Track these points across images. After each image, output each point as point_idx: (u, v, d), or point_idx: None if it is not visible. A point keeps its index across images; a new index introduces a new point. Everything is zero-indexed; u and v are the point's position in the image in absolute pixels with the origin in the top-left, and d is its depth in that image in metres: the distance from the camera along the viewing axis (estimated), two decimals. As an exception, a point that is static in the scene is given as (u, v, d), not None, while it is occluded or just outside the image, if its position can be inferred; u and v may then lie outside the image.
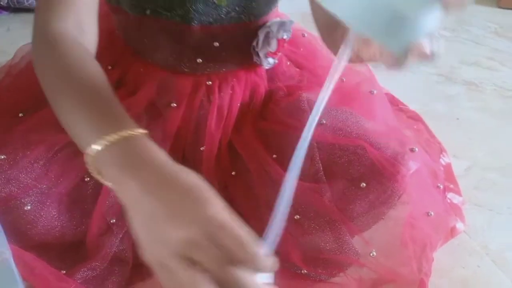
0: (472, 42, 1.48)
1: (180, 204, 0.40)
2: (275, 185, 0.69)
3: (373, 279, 0.71)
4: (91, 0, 0.59)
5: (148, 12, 0.69)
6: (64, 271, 0.68)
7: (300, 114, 0.75)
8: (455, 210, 0.83)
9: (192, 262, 0.38)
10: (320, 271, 0.71)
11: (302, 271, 0.70)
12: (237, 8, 0.70)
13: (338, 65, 0.44)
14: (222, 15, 0.70)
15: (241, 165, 0.75)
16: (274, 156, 0.73)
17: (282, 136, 0.74)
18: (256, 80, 0.79)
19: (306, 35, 0.89)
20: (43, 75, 0.53)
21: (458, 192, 0.87)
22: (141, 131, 0.46)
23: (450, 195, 0.86)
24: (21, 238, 0.66)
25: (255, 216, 0.70)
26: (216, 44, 0.72)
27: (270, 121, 0.77)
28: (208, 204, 0.40)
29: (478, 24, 1.56)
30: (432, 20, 0.40)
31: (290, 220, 0.69)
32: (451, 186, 0.88)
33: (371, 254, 0.72)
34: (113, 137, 0.44)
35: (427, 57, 0.41)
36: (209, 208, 0.40)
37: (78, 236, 0.71)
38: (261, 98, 0.79)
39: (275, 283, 0.43)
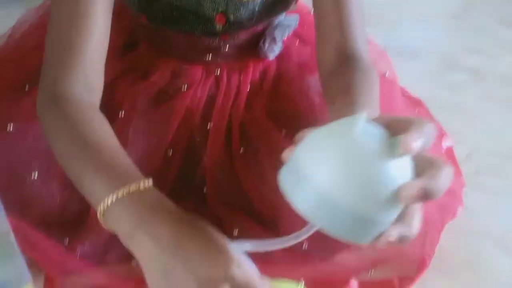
0: (477, 29, 1.47)
1: (199, 263, 0.41)
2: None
3: (374, 258, 0.71)
4: (101, 48, 0.60)
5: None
6: (65, 245, 0.68)
7: (311, 93, 0.75)
8: (456, 193, 0.83)
9: None
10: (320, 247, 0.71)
11: (303, 247, 0.70)
12: (262, 16, 0.72)
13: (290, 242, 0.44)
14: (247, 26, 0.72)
15: (251, 144, 0.75)
16: (285, 134, 0.73)
17: (294, 116, 0.73)
18: (267, 61, 0.79)
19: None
20: (54, 140, 0.56)
21: (459, 175, 0.86)
22: (150, 184, 0.47)
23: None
24: (23, 212, 0.66)
25: (262, 196, 0.70)
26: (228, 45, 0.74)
27: (281, 101, 0.77)
28: (229, 262, 0.42)
29: (483, 12, 1.55)
30: (395, 213, 0.40)
31: None
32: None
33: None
34: (123, 191, 0.46)
35: (397, 243, 0.40)
36: (230, 266, 0.41)
37: (80, 211, 0.71)
38: (272, 78, 0.79)
39: None
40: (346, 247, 0.72)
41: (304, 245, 0.70)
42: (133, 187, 0.47)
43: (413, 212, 0.41)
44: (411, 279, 0.70)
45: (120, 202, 0.46)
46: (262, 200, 0.71)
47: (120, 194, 0.46)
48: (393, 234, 0.39)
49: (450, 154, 0.90)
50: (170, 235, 0.43)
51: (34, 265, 0.67)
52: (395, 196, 0.38)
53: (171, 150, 0.72)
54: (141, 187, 0.47)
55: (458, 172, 0.87)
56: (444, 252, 0.77)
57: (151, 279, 0.44)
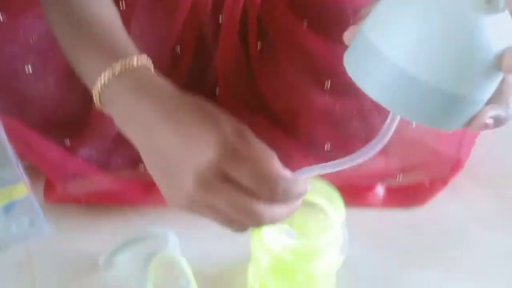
0: None
1: (194, 141, 0.37)
2: (308, 58, 0.63)
3: (404, 162, 0.65)
4: None
5: None
6: (66, 147, 0.63)
7: None
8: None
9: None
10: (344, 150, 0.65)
11: (326, 148, 0.64)
12: None
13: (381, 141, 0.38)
14: None
15: (268, 40, 0.67)
16: (307, 27, 0.65)
17: (317, 4, 0.65)
18: None
19: None
20: (52, 18, 0.50)
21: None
22: (147, 61, 0.44)
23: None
24: (20, 112, 0.61)
25: (280, 97, 0.64)
26: None
27: None
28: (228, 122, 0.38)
29: None
30: (491, 89, 0.33)
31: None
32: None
33: (410, 125, 0.65)
34: (119, 67, 0.42)
35: (491, 126, 0.34)
36: (230, 125, 0.37)
37: (82, 111, 0.65)
38: None
39: None
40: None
41: (326, 146, 0.64)
42: (128, 63, 0.42)
43: (509, 88, 0.34)
44: (443, 181, 0.65)
45: (115, 80, 0.42)
46: (280, 101, 0.65)
47: (116, 69, 0.42)
48: (490, 114, 0.33)
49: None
50: (165, 116, 0.39)
51: (33, 169, 0.62)
52: (494, 65, 0.31)
53: (179, 47, 0.65)
54: (136, 63, 0.43)
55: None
56: (478, 159, 0.70)
57: (148, 164, 0.40)
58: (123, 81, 0.41)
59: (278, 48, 0.65)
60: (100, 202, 0.62)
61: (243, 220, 0.38)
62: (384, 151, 0.66)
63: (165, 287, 0.54)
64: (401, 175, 0.65)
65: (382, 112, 0.64)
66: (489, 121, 0.33)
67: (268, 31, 0.66)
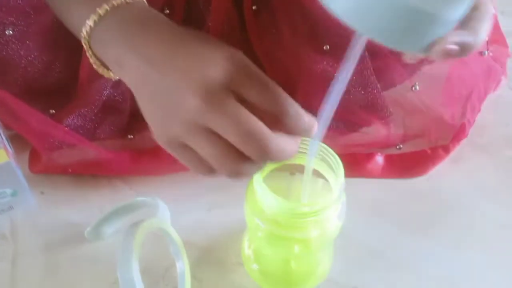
0: None
1: (191, 65, 0.34)
2: (306, 20, 0.59)
3: (404, 131, 0.63)
4: None
5: None
6: (51, 116, 0.60)
7: None
8: (501, 61, 0.72)
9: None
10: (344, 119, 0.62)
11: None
12: None
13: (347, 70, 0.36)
14: None
15: (265, 1, 0.64)
16: None
17: None
18: None
19: None
20: None
21: (503, 44, 0.75)
22: None
23: (493, 47, 0.74)
24: (1, 79, 0.58)
25: (278, 61, 0.61)
26: None
27: None
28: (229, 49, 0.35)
29: None
30: (461, 10, 0.31)
31: None
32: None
33: (413, 88, 0.62)
34: (105, 8, 0.39)
35: (456, 53, 0.32)
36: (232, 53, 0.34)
37: (66, 82, 0.62)
38: None
39: None
40: (372, 120, 0.63)
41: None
42: (117, 1, 0.39)
43: (482, 16, 0.31)
44: (446, 149, 0.62)
45: (104, 21, 0.39)
46: (277, 66, 0.62)
47: (103, 10, 0.39)
48: (455, 39, 0.30)
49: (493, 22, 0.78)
50: (161, 49, 0.36)
51: (18, 140, 0.60)
52: None
53: (167, 8, 0.62)
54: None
55: (503, 42, 0.76)
56: (484, 128, 0.67)
57: (143, 107, 0.37)
58: (122, 15, 0.39)
59: (275, 10, 0.62)
60: (87, 172, 0.59)
61: (245, 150, 0.34)
62: (384, 118, 0.64)
63: (153, 258, 0.52)
64: (402, 143, 0.63)
65: (382, 77, 0.62)
66: (453, 47, 0.31)
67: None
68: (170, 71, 0.35)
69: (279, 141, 0.34)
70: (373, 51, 0.59)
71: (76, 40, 0.55)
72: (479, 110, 0.65)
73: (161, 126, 0.36)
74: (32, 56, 0.59)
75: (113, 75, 0.44)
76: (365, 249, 0.55)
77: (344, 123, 0.63)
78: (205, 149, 0.34)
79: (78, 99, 0.61)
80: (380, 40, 0.31)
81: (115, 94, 0.61)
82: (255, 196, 0.44)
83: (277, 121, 0.35)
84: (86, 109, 0.60)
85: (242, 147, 0.33)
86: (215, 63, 0.34)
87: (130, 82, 0.38)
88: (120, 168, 0.59)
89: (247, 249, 0.53)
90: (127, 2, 0.39)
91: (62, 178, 0.60)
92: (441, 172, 0.62)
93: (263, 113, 0.35)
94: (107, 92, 0.60)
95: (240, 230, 0.54)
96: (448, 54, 0.31)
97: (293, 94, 0.61)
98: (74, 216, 0.57)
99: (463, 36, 0.31)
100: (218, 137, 0.34)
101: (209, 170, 0.36)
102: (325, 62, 0.59)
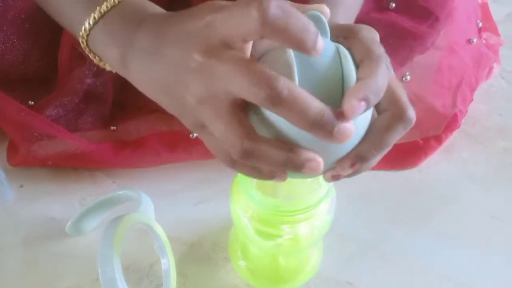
0: None
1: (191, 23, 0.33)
2: None
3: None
4: None
5: None
6: (30, 107, 0.58)
7: None
8: (494, 48, 0.71)
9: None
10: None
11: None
12: None
13: None
14: None
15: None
16: None
17: None
18: None
19: None
20: None
21: (495, 32, 0.74)
22: None
23: (486, 34, 0.73)
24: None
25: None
26: None
27: None
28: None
29: None
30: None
31: None
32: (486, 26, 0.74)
33: (404, 79, 0.60)
34: (105, 6, 0.38)
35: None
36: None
37: (46, 71, 0.60)
38: None
39: None
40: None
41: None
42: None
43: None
44: (438, 140, 0.61)
45: (103, 20, 0.38)
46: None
47: (103, 8, 0.38)
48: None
49: (485, 9, 0.76)
50: (157, 38, 0.34)
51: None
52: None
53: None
54: None
55: (495, 30, 0.74)
56: (476, 118, 0.66)
57: (161, 102, 0.36)
58: (118, 14, 0.37)
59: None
60: (68, 165, 0.57)
61: (255, 92, 0.29)
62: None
63: (137, 254, 0.50)
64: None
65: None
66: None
67: None
68: (169, 47, 0.33)
69: (290, 84, 0.30)
70: None
71: (56, 27, 0.53)
72: (471, 100, 0.64)
73: (182, 112, 0.35)
74: (10, 42, 0.57)
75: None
76: (356, 243, 0.53)
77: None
78: (216, 124, 0.32)
79: (58, 88, 0.59)
80: None
81: (97, 83, 0.59)
82: (241, 192, 0.43)
83: None
84: (67, 99, 0.58)
85: (251, 92, 0.30)
86: (202, 13, 0.32)
87: (137, 78, 0.37)
88: (102, 160, 0.57)
89: (234, 245, 0.51)
90: (119, 1, 0.38)
91: (42, 171, 0.58)
92: (433, 163, 0.61)
93: None
94: (89, 80, 0.58)
95: (228, 224, 0.53)
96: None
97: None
98: (55, 210, 0.55)
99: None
100: (227, 111, 0.32)
101: (229, 157, 0.34)
102: None
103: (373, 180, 0.59)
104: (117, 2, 0.38)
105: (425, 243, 0.54)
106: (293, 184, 0.46)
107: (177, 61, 0.33)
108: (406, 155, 0.60)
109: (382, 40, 0.35)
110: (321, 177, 0.37)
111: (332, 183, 0.42)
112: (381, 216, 0.56)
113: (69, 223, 0.51)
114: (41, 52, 0.59)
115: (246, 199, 0.43)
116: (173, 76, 0.33)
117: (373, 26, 0.36)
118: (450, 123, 0.60)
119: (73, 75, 0.58)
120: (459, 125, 0.61)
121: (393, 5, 0.61)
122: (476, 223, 0.56)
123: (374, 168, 0.59)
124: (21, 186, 0.57)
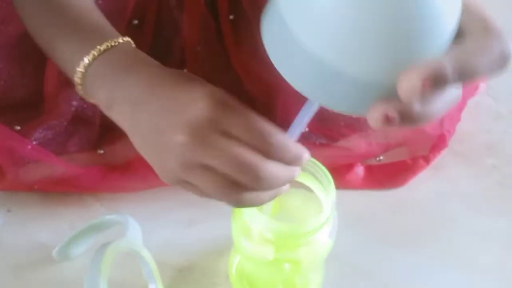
0: None
1: (183, 89, 0.36)
2: None
3: (385, 142, 0.62)
4: None
5: None
6: (17, 131, 0.58)
7: None
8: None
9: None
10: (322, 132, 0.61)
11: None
12: None
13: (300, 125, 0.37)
14: None
15: (243, 10, 0.62)
16: None
17: None
18: None
19: None
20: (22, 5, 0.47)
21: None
22: (126, 39, 0.42)
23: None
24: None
25: (256, 75, 0.60)
26: None
27: None
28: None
29: None
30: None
31: None
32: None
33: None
34: (99, 49, 0.40)
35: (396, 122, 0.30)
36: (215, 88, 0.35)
37: (33, 95, 0.60)
38: None
39: None
40: (352, 133, 0.62)
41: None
42: (108, 44, 0.40)
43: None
44: (426, 159, 0.61)
45: (96, 63, 0.40)
46: (255, 80, 0.60)
47: (96, 52, 0.40)
48: (396, 107, 0.29)
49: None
50: (146, 90, 0.37)
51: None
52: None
53: (137, 21, 0.60)
54: (115, 43, 0.41)
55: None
56: (464, 136, 0.66)
57: (136, 143, 0.38)
58: (109, 59, 0.40)
59: (253, 19, 0.60)
60: (55, 189, 0.57)
61: (240, 180, 0.34)
62: (365, 130, 0.63)
63: (125, 280, 0.50)
64: (382, 154, 0.62)
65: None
66: (392, 114, 0.29)
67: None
68: (157, 111, 0.36)
69: (272, 168, 0.35)
70: None
71: (43, 54, 0.54)
72: (459, 120, 0.64)
73: (160, 165, 0.37)
74: (-3, 68, 0.57)
75: None
76: (349, 265, 0.53)
77: (325, 136, 0.62)
78: (204, 183, 0.35)
79: (46, 111, 0.59)
80: (331, 108, 0.31)
81: (85, 105, 0.59)
82: (243, 216, 0.43)
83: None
84: (55, 122, 0.58)
85: (237, 178, 0.34)
86: (198, 101, 0.34)
87: (122, 124, 0.39)
88: (90, 184, 0.56)
89: (232, 270, 0.51)
90: (112, 46, 0.40)
91: (30, 195, 0.57)
92: (421, 181, 0.61)
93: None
94: (76, 103, 0.58)
95: (222, 247, 0.53)
96: (387, 121, 0.29)
97: (271, 106, 0.60)
98: (43, 235, 0.54)
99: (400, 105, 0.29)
100: (214, 170, 0.34)
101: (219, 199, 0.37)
102: None
103: (360, 199, 0.60)
104: (103, 49, 0.40)
105: (418, 264, 0.54)
106: (293, 202, 0.47)
107: (167, 124, 0.35)
108: (394, 174, 0.61)
109: None
110: (320, 197, 0.38)
111: (333, 204, 0.42)
112: (370, 236, 0.56)
113: (56, 248, 0.51)
114: (29, 79, 0.59)
115: (247, 222, 0.43)
116: (159, 134, 0.35)
117: None
118: (438, 143, 0.61)
119: (61, 98, 0.58)
120: (447, 145, 0.62)
121: None
122: (465, 243, 0.56)
123: (363, 187, 0.60)
124: (9, 211, 0.56)
